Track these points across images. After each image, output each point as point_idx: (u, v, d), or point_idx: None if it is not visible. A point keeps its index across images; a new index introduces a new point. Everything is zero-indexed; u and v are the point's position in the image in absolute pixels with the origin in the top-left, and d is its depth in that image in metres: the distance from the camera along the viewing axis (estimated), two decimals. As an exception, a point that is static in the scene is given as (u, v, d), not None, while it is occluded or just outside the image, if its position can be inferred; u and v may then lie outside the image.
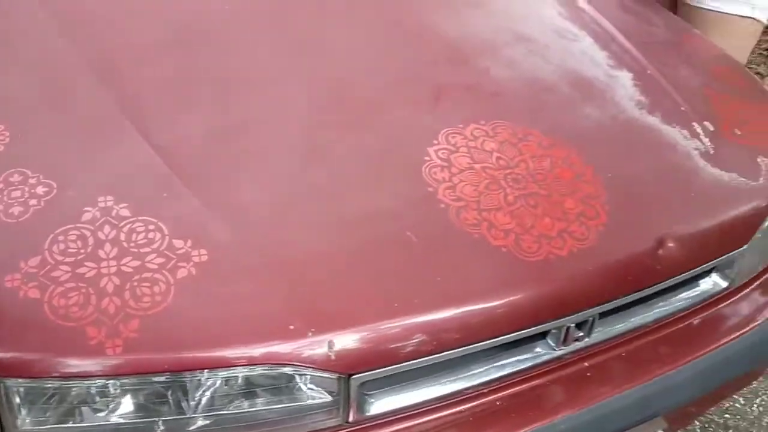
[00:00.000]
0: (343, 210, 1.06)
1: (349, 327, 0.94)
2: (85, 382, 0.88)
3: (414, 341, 0.97)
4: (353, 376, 0.95)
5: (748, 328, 1.29)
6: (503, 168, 1.18)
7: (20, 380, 0.86)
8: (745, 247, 1.26)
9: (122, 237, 0.96)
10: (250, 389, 0.93)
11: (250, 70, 1.28)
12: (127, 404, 0.91)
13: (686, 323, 1.27)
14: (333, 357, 0.92)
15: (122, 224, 0.97)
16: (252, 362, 0.91)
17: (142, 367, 0.88)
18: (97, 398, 0.89)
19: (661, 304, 1.24)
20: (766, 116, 1.49)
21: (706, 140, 1.35)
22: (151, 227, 0.97)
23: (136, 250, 0.95)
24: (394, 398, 1.02)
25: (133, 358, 0.88)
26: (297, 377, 0.93)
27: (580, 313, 1.09)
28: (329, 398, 0.96)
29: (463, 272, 1.04)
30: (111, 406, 0.90)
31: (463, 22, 1.55)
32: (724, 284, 1.29)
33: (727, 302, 1.31)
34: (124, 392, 0.89)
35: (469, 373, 1.07)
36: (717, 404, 1.70)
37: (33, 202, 0.98)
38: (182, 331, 0.90)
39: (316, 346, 0.92)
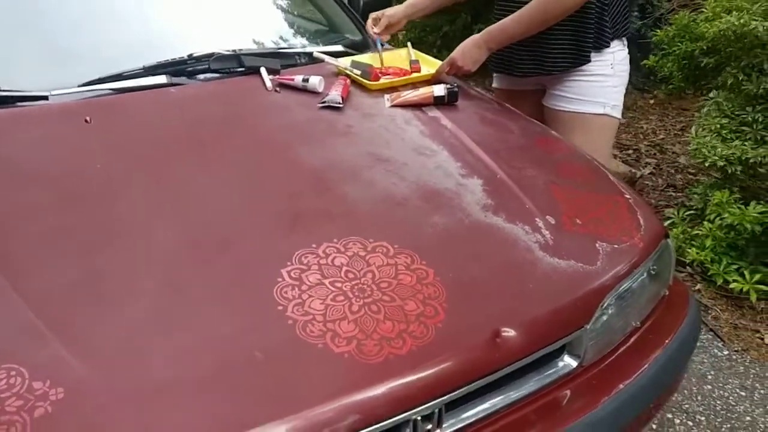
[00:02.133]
0: (195, 338, 1.17)
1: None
2: None
3: None
4: None
5: (600, 404, 1.39)
6: (351, 280, 1.31)
7: None
8: (587, 326, 1.39)
9: (-15, 385, 1.06)
10: None
11: (118, 222, 1.41)
12: None
13: (543, 403, 1.37)
14: None
15: (-15, 372, 1.07)
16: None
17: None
18: None
19: (514, 387, 1.35)
20: (607, 205, 1.65)
21: (546, 233, 1.50)
22: (13, 373, 1.07)
23: (-3, 395, 1.04)
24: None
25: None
26: None
27: (423, 406, 1.19)
28: None
29: (308, 380, 1.14)
30: None
31: (328, 151, 1.72)
32: (574, 364, 1.41)
33: (580, 380, 1.42)
34: None
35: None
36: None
37: None
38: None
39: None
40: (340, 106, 1.93)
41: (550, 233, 1.51)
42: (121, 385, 1.09)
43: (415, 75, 2.18)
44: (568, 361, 1.41)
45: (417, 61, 2.24)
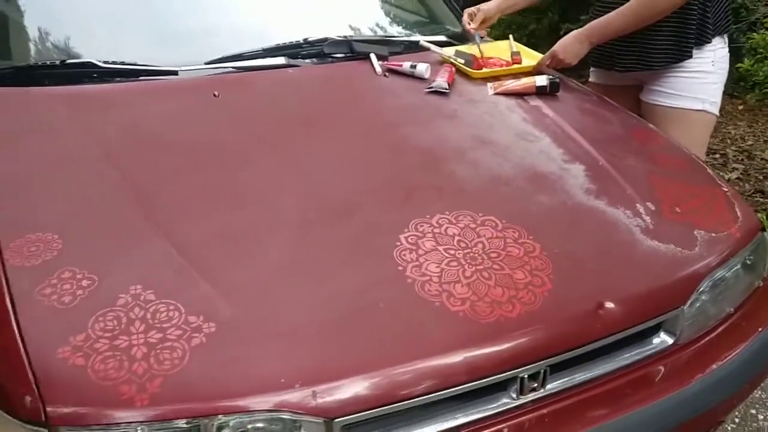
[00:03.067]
0: (323, 289, 1.30)
1: (329, 380, 1.16)
2: (121, 429, 1.10)
3: (386, 391, 1.18)
4: (335, 420, 1.15)
5: (693, 380, 1.46)
6: (463, 248, 1.41)
7: (71, 428, 1.09)
8: (684, 306, 1.46)
9: (148, 316, 1.21)
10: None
11: (249, 186, 1.56)
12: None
13: (638, 375, 1.44)
14: (316, 404, 1.14)
15: (148, 306, 1.22)
16: (251, 410, 1.13)
17: (164, 416, 1.11)
18: None
19: (612, 359, 1.43)
20: (704, 196, 1.70)
21: (647, 218, 1.58)
22: (171, 307, 1.22)
23: (159, 325, 1.19)
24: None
25: (157, 409, 1.10)
26: (290, 422, 1.14)
27: (531, 366, 1.29)
28: None
29: (427, 332, 1.26)
30: None
31: (436, 133, 1.84)
32: (670, 341, 1.48)
33: (675, 357, 1.49)
34: None
35: (440, 419, 1.26)
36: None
37: (80, 292, 1.24)
38: (196, 387, 1.13)
39: (303, 396, 1.14)
40: (447, 91, 2.04)
41: (650, 218, 1.58)
42: (261, 324, 1.23)
43: (515, 66, 2.26)
44: (665, 338, 1.48)
45: (518, 53, 2.32)
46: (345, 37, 2.24)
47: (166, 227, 1.41)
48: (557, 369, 1.36)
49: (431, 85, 2.05)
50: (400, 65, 2.15)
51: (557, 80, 2.10)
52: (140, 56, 2.01)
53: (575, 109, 2.07)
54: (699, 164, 1.87)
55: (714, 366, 1.48)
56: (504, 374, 1.27)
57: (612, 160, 1.77)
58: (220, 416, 1.12)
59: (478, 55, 2.31)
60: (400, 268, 1.35)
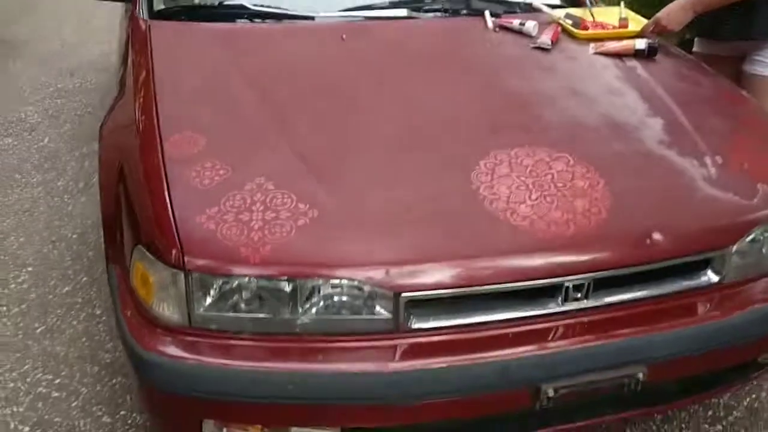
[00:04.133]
0: (411, 194, 1.57)
1: (400, 263, 1.44)
2: (237, 279, 1.42)
3: (447, 279, 1.44)
4: (402, 294, 1.43)
5: (731, 315, 1.61)
6: (533, 177, 1.63)
7: (202, 275, 1.43)
8: (732, 248, 1.61)
9: (267, 200, 1.51)
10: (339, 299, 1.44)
11: (365, 112, 1.84)
12: (261, 299, 1.44)
13: (680, 303, 1.62)
14: (388, 280, 1.42)
15: (268, 193, 1.53)
16: (337, 276, 1.42)
17: (270, 274, 1.42)
18: (245, 293, 1.43)
19: (657, 285, 1.60)
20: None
21: (713, 169, 1.73)
22: (285, 196, 1.53)
23: (274, 207, 1.50)
24: (435, 319, 1.48)
25: (266, 268, 1.42)
26: (367, 291, 1.43)
27: (575, 276, 1.50)
28: (386, 312, 1.44)
29: (488, 238, 1.50)
30: (252, 301, 1.44)
31: (532, 82, 2.05)
32: (715, 279, 1.63)
33: (718, 293, 1.64)
34: (260, 289, 1.43)
35: (493, 311, 1.51)
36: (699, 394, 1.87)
37: (216, 177, 1.57)
38: (297, 255, 1.44)
39: (378, 273, 1.42)
40: (549, 47, 2.23)
41: (716, 169, 1.72)
42: (355, 215, 1.52)
43: (621, 30, 2.41)
44: (711, 275, 1.64)
45: (626, 19, 2.46)
46: (465, -6, 2.47)
47: (291, 137, 1.72)
48: (603, 285, 1.56)
49: (536, 41, 2.25)
50: (511, 22, 2.35)
51: (656, 44, 2.24)
52: (284, 3, 2.35)
53: (669, 72, 2.20)
54: None
55: (753, 306, 1.63)
56: (550, 280, 1.50)
57: (692, 118, 1.91)
58: (313, 279, 1.42)
59: (588, 18, 2.47)
60: (474, 186, 1.59)
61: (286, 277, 1.43)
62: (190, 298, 1.44)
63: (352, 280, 1.42)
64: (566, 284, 1.51)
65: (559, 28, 2.35)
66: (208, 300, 1.45)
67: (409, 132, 1.77)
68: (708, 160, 1.75)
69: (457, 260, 1.47)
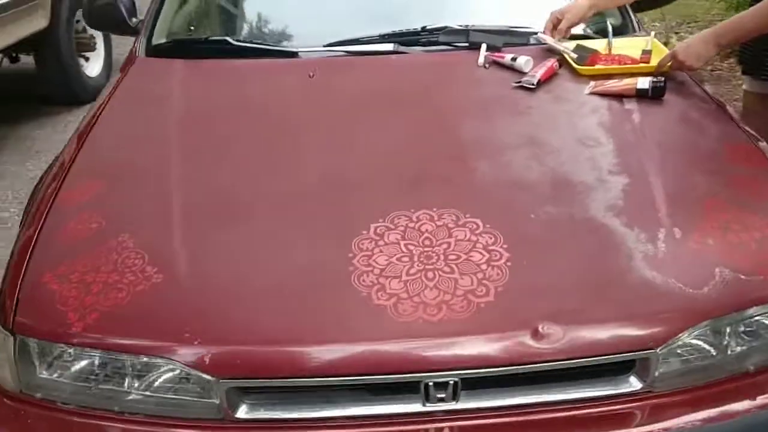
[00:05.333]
0: (280, 264, 1.39)
1: (227, 343, 1.27)
2: (57, 347, 1.32)
3: (280, 365, 1.26)
4: (221, 380, 1.26)
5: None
6: (425, 246, 1.40)
7: (26, 337, 1.34)
8: (657, 351, 1.27)
9: (119, 260, 1.40)
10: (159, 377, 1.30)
11: (282, 161, 1.68)
12: (86, 371, 1.33)
13: (593, 414, 1.31)
14: (207, 362, 1.25)
15: (123, 252, 1.42)
16: (156, 355, 1.28)
17: (88, 344, 1.30)
18: (69, 362, 1.33)
19: (562, 389, 1.31)
20: (765, 231, 1.44)
21: (662, 246, 1.39)
22: (138, 257, 1.41)
23: (122, 269, 1.38)
24: (267, 411, 1.29)
25: (84, 338, 1.30)
26: (183, 373, 1.27)
27: (436, 373, 1.25)
28: (213, 398, 1.27)
29: (341, 319, 1.29)
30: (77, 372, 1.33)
31: (491, 128, 1.79)
32: (638, 386, 1.30)
33: (645, 405, 1.31)
34: (80, 359, 1.32)
35: (339, 406, 1.29)
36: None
37: (86, 231, 1.47)
38: (120, 327, 1.31)
39: (197, 353, 1.26)
40: (532, 87, 1.94)
41: (666, 247, 1.39)
42: (200, 283, 1.37)
43: (633, 66, 2.06)
44: (633, 382, 1.31)
45: (649, 52, 2.10)
46: (464, 26, 2.23)
47: (186, 189, 1.60)
48: (484, 385, 1.29)
49: (520, 80, 1.97)
50: (503, 57, 2.09)
51: (662, 84, 1.88)
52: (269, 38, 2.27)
53: (671, 117, 1.84)
54: None
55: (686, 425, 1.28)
56: (404, 376, 1.26)
57: (668, 179, 1.57)
58: (132, 355, 1.29)
59: (605, 50, 2.14)
60: (350, 255, 1.38)
61: (100, 351, 1.31)
62: (17, 363, 1.37)
63: (170, 360, 1.28)
64: (426, 382, 1.26)
65: (556, 64, 2.04)
66: (35, 366, 1.36)
67: (317, 187, 1.59)
68: (662, 234, 1.42)
69: (293, 345, 1.27)
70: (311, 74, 2.06)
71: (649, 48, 2.13)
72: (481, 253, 1.38)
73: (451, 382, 1.26)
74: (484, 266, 1.35)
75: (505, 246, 1.39)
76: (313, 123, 1.83)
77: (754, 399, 1.33)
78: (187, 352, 1.27)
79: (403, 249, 1.39)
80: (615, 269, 1.36)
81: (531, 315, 1.28)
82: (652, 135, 1.72)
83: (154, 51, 2.30)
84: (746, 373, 1.35)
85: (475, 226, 1.44)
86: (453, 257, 1.37)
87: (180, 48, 2.31)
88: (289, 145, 1.74)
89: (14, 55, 4.85)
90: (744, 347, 1.33)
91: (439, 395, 1.27)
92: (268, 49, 2.22)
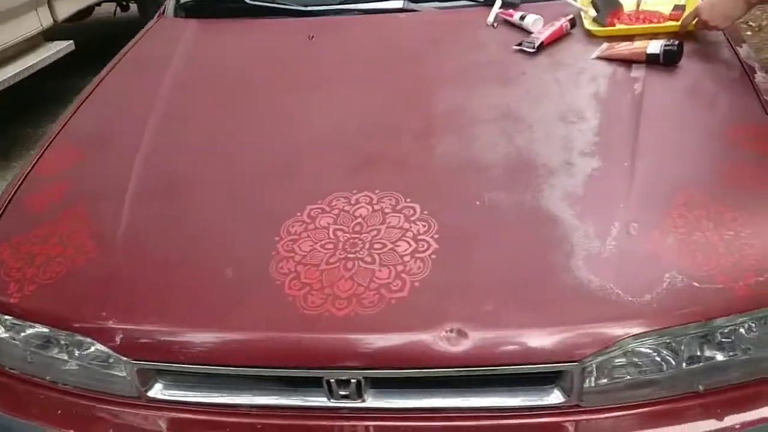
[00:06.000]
0: (210, 246, 1.37)
1: (136, 325, 1.27)
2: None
3: (181, 349, 1.24)
4: (133, 361, 1.27)
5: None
6: (353, 233, 1.33)
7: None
8: (582, 363, 1.15)
9: (68, 231, 1.43)
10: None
11: (252, 132, 1.67)
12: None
13: (514, 424, 1.21)
14: (119, 343, 1.27)
15: (74, 223, 1.45)
16: (78, 331, 1.30)
17: (23, 315, 1.34)
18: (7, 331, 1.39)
19: (470, 396, 1.22)
20: (743, 228, 1.25)
21: (611, 243, 1.25)
22: (82, 230, 1.43)
23: (67, 240, 1.41)
24: (177, 391, 1.30)
25: (21, 309, 1.34)
26: (104, 351, 1.29)
27: (342, 371, 1.20)
28: (124, 374, 1.29)
29: (250, 308, 1.26)
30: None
31: (471, 97, 1.66)
32: (561, 399, 1.19)
33: (572, 421, 1.19)
34: (16, 329, 1.37)
35: (248, 395, 1.27)
36: None
37: (50, 199, 1.53)
38: (51, 300, 1.34)
39: (112, 333, 1.27)
40: (532, 51, 1.78)
41: (617, 244, 1.24)
42: (130, 264, 1.37)
43: (666, 24, 1.83)
44: (556, 394, 1.20)
45: (683, 7, 1.86)
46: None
47: (150, 158, 1.61)
48: (395, 386, 1.23)
49: (521, 41, 1.81)
50: (512, 15, 1.92)
51: (675, 47, 1.66)
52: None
53: (680, 89, 1.63)
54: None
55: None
56: (309, 371, 1.22)
57: (646, 164, 1.39)
58: (57, 329, 1.33)
59: (633, 6, 1.92)
60: (277, 238, 1.34)
61: (36, 323, 1.35)
62: None
63: (89, 337, 1.30)
64: (328, 378, 1.21)
65: (567, 24, 1.85)
66: None
67: (267, 164, 1.56)
68: (615, 229, 1.27)
69: (198, 331, 1.26)
70: (311, 36, 1.99)
71: (683, 2, 1.89)
72: (408, 243, 1.29)
73: (354, 381, 1.21)
74: (407, 258, 1.27)
75: (436, 236, 1.29)
76: (288, 93, 1.78)
77: (700, 422, 1.18)
78: (103, 331, 1.28)
79: (331, 235, 1.33)
80: (549, 268, 1.23)
81: (443, 315, 1.18)
82: (649, 110, 1.53)
83: (181, 10, 2.31)
84: (695, 393, 1.20)
85: (411, 212, 1.35)
86: (378, 246, 1.30)
87: (201, 7, 2.29)
88: (255, 117, 1.71)
89: (125, 3, 5.14)
90: (691, 365, 1.18)
91: (342, 392, 1.22)
92: (278, 8, 2.16)
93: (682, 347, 1.17)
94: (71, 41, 4.09)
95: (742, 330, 1.18)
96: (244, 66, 1.93)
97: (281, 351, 1.22)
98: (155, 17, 2.38)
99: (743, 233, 1.24)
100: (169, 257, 1.38)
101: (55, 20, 4.14)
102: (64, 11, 4.22)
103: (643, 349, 1.17)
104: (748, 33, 4.00)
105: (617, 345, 1.15)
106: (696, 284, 1.18)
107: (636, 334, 1.15)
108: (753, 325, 1.18)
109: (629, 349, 1.16)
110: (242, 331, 1.24)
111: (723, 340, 1.18)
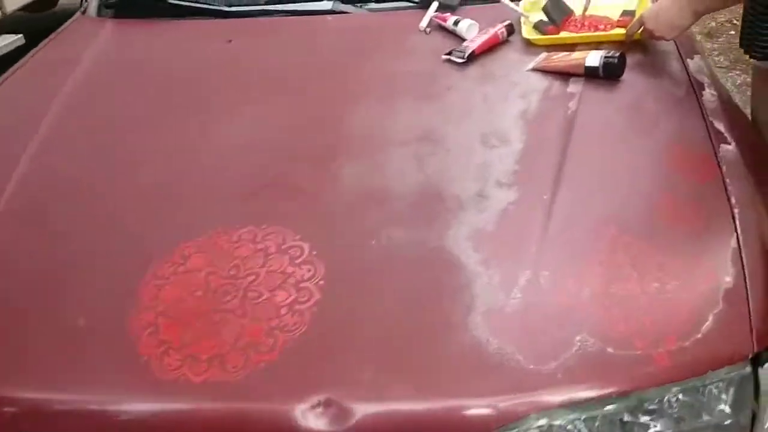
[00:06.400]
0: (60, 289, 1.19)
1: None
2: None
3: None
4: None
5: None
6: (230, 277, 1.15)
7: None
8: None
9: None
10: None
11: (130, 159, 1.48)
12: None
13: None
14: None
15: None
16: None
17: None
18: None
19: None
20: (672, 280, 1.08)
21: (515, 297, 1.07)
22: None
23: None
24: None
25: None
26: None
27: None
28: None
29: (94, 367, 1.07)
30: None
31: (387, 116, 1.48)
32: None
33: None
34: None
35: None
36: None
37: None
38: None
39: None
40: (462, 61, 1.60)
41: (523, 297, 1.07)
42: None
43: (613, 32, 1.65)
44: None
45: (632, 13, 1.67)
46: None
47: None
48: None
49: (450, 51, 1.63)
50: (445, 20, 1.74)
51: (616, 60, 1.48)
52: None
53: (618, 107, 1.45)
54: (726, 237, 1.15)
55: None
56: None
57: (568, 197, 1.22)
58: None
59: (579, 12, 1.73)
60: (141, 282, 1.16)
61: None
62: None
63: None
64: None
65: (503, 31, 1.67)
66: None
67: (147, 195, 1.36)
68: (522, 280, 1.09)
69: (36, 392, 1.07)
70: (229, 40, 1.82)
71: (632, 7, 1.70)
72: (288, 292, 1.12)
73: None
74: (284, 310, 1.09)
75: (321, 282, 1.12)
76: (186, 107, 1.59)
77: None
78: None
79: (202, 279, 1.16)
80: (443, 326, 1.05)
81: (314, 383, 1.01)
82: (580, 132, 1.35)
83: (103, 9, 2.13)
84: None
85: (298, 253, 1.17)
86: (253, 295, 1.12)
87: (123, 6, 2.10)
88: (147, 134, 1.52)
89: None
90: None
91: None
92: (201, 8, 1.98)
93: (597, 424, 1.00)
94: (20, 35, 3.89)
95: (665, 403, 1.01)
96: (151, 74, 1.75)
97: (122, 424, 1.04)
98: (76, 14, 2.20)
99: (669, 285, 1.07)
100: (12, 296, 1.20)
101: (3, 12, 3.96)
102: (13, 2, 4.03)
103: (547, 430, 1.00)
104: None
105: (516, 424, 0.98)
106: (610, 350, 1.00)
107: (539, 411, 0.98)
108: (679, 397, 1.01)
109: (530, 429, 0.99)
110: (79, 395, 1.06)
111: (643, 417, 1.01)
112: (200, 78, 1.69)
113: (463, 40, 1.68)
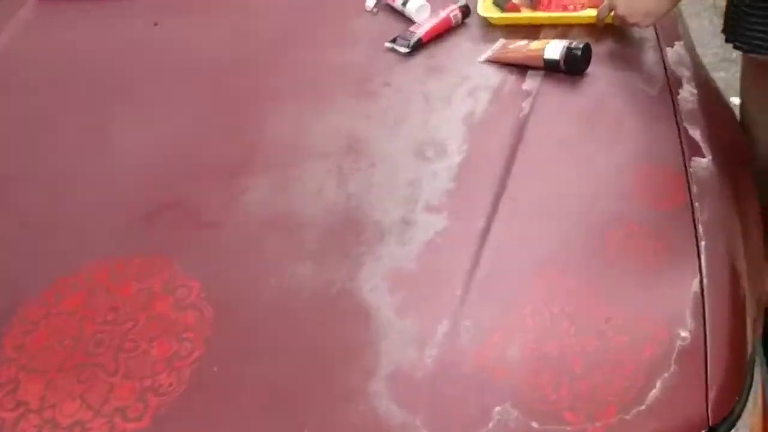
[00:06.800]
0: None
1: None
2: None
3: None
4: None
5: None
6: (106, 323, 0.99)
7: None
8: None
9: None
10: None
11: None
12: None
13: None
14: None
15: None
16: None
17: None
18: None
19: None
20: (595, 334, 0.91)
21: (432, 352, 0.91)
22: None
23: None
24: None
25: None
26: None
27: None
28: None
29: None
30: None
31: (312, 118, 1.30)
32: None
33: None
34: None
35: None
36: None
37: None
38: None
39: None
40: (405, 51, 1.40)
41: (438, 355, 0.90)
42: None
43: (584, 12, 1.44)
44: None
45: (606, -12, 1.46)
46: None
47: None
48: None
49: (393, 39, 1.43)
50: (394, 0, 1.54)
51: (579, 52, 1.28)
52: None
53: (579, 109, 1.25)
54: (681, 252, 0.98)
55: None
56: None
57: (510, 223, 1.04)
58: None
59: (547, -13, 1.52)
60: (6, 328, 1.00)
61: None
62: None
63: None
64: None
65: (457, 13, 1.47)
66: None
67: (34, 211, 1.20)
68: (440, 331, 0.92)
69: None
70: (156, 23, 1.63)
71: (607, -16, 1.49)
72: (169, 343, 0.96)
73: None
74: (161, 367, 0.93)
75: (207, 333, 0.96)
76: (90, 108, 1.41)
77: None
78: None
79: (75, 325, 1.00)
80: (342, 392, 0.89)
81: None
82: (530, 142, 1.17)
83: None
84: None
85: (185, 293, 1.01)
86: (130, 346, 0.96)
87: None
88: (39, 145, 1.34)
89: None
90: None
91: None
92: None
93: None
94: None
95: None
96: (59, 65, 1.56)
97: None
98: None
99: (612, 342, 0.90)
100: None
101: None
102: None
103: None
104: None
105: None
106: (534, 425, 0.84)
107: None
108: None
109: None
110: None
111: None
112: (113, 69, 1.50)
113: (413, 23, 1.48)
